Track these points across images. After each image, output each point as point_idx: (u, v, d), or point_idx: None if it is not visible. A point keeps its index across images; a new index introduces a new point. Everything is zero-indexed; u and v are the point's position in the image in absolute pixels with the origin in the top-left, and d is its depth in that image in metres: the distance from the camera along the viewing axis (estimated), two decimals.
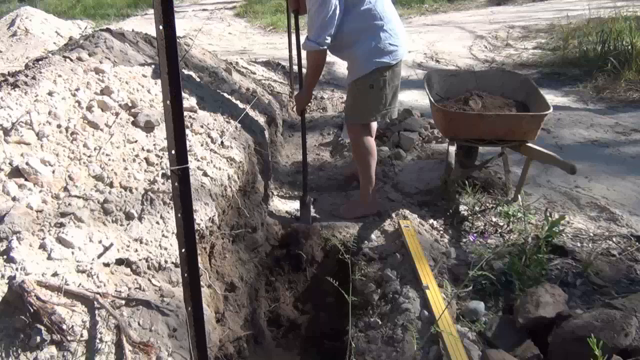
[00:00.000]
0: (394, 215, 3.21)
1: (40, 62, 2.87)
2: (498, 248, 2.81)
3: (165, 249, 2.12)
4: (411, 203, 3.41)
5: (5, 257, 1.86)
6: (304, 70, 3.61)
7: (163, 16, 1.32)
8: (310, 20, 3.01)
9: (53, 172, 2.22)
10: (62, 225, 2.03)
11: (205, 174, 2.55)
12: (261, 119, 3.81)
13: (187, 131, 2.77)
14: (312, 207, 3.37)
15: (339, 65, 6.60)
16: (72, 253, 1.96)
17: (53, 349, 1.66)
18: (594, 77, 5.75)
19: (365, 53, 2.99)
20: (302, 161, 3.41)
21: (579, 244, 2.91)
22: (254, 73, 5.68)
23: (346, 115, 3.43)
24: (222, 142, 2.83)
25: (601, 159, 4.00)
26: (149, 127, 2.68)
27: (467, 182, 3.31)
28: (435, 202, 3.39)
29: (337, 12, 2.87)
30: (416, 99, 5.47)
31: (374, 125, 3.46)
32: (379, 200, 3.39)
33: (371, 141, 3.26)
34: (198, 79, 3.71)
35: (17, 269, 1.82)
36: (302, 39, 3.25)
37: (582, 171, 3.63)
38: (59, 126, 2.42)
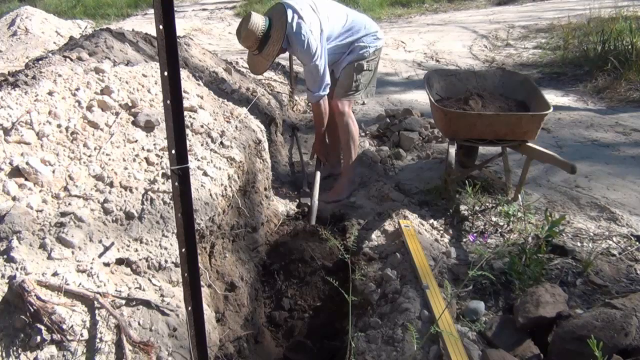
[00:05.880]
0: (394, 215, 3.21)
1: (40, 62, 2.87)
2: (498, 248, 2.81)
3: (165, 248, 2.12)
4: (411, 202, 3.41)
5: (5, 256, 1.86)
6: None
7: (163, 16, 1.32)
8: (310, 74, 3.29)
9: (53, 171, 2.22)
10: (62, 225, 2.03)
11: (205, 174, 2.55)
12: (261, 119, 3.81)
13: (187, 131, 2.77)
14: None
15: None
16: (72, 253, 1.96)
17: (53, 349, 1.66)
18: (594, 77, 5.75)
19: None
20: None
21: (579, 244, 2.91)
22: None
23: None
24: (222, 142, 2.83)
25: (601, 159, 4.00)
26: (149, 127, 2.68)
27: (467, 182, 3.31)
28: (435, 201, 3.39)
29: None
30: (416, 98, 5.47)
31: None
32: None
33: None
34: (198, 79, 3.70)
35: (17, 269, 1.82)
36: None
37: (582, 171, 3.63)
38: (59, 126, 2.42)
